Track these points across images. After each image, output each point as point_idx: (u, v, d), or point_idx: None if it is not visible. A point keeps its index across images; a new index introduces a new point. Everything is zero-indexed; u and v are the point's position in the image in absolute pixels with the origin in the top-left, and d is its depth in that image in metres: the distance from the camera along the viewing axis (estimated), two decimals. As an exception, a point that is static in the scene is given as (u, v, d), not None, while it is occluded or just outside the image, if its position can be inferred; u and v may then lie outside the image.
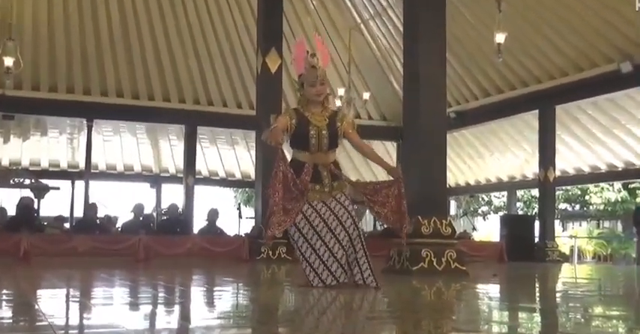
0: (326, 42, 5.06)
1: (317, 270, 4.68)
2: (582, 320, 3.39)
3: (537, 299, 5.00)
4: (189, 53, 16.83)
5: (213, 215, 12.97)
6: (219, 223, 13.07)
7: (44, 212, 15.78)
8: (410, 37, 8.30)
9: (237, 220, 14.26)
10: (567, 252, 21.50)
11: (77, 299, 4.21)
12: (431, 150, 7.82)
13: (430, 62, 7.90)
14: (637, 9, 8.86)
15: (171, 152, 19.73)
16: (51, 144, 18.89)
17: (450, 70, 14.28)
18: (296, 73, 5.03)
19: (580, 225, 28.02)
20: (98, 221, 12.78)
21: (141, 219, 12.80)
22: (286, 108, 5.02)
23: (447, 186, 13.95)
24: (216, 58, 17.08)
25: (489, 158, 19.14)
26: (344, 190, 4.86)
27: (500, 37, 11.20)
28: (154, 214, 15.82)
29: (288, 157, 4.90)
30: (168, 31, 16.52)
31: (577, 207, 27.78)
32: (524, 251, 14.44)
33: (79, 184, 18.08)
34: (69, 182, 18.86)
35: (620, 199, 25.14)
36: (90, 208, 12.98)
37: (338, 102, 15.07)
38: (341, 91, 15.10)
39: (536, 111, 15.25)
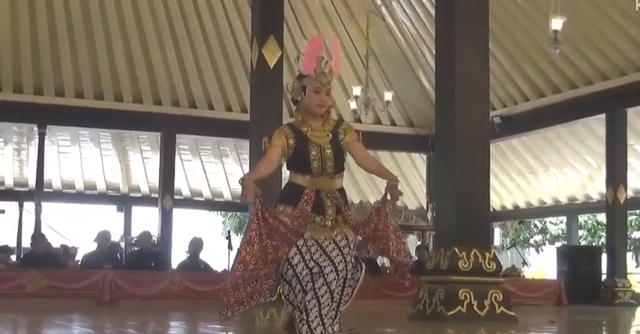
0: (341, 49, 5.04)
1: (307, 318, 4.72)
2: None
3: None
4: (167, 43, 16.90)
5: (196, 245, 12.95)
6: (203, 256, 13.06)
7: (-17, 241, 15.83)
8: (443, 23, 8.33)
9: (226, 252, 14.25)
10: (643, 293, 21.38)
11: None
12: (470, 165, 7.82)
13: (469, 54, 7.92)
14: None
15: (143, 167, 19.77)
16: (-7, 157, 18.99)
17: (493, 64, 14.31)
18: (300, 71, 4.93)
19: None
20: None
21: (106, 249, 12.80)
22: (280, 127, 4.92)
23: (491, 209, 13.89)
24: (201, 48, 17.13)
25: (543, 174, 19.09)
26: (346, 230, 4.80)
27: (557, 23, 11.22)
28: (122, 244, 15.83)
29: (284, 181, 4.89)
30: (140, 15, 16.59)
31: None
32: (589, 292, 14.45)
33: (29, 206, 18.10)
34: (16, 204, 18.91)
35: None
36: (36, 240, 12.87)
37: (353, 105, 15.11)
38: (357, 91, 15.11)
39: (603, 115, 15.24)
